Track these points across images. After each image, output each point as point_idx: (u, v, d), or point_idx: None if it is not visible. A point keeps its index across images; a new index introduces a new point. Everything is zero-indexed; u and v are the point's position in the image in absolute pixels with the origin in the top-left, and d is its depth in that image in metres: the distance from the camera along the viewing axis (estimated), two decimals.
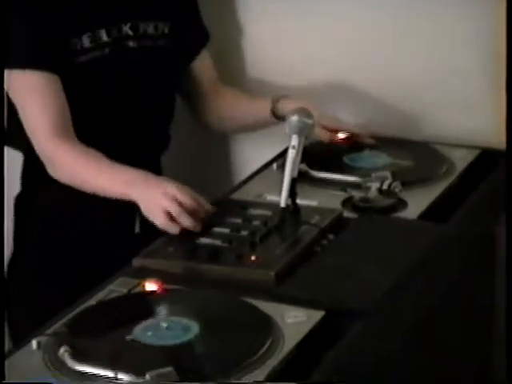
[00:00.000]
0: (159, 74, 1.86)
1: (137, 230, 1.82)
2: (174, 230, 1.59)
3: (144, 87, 1.84)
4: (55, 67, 1.74)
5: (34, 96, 1.74)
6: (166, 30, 1.85)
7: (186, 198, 1.59)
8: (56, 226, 1.84)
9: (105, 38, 1.79)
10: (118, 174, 1.69)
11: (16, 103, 1.77)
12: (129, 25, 1.81)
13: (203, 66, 1.95)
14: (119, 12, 1.81)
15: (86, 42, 1.77)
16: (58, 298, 1.47)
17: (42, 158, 1.76)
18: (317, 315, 1.39)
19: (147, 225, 1.65)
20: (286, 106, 1.86)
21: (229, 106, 1.95)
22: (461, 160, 1.89)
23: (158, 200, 1.59)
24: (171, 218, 1.58)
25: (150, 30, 1.84)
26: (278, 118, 1.89)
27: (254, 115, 1.94)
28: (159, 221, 1.60)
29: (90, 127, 1.80)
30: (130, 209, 1.68)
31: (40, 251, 1.85)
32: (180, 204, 1.58)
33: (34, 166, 1.79)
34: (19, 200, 1.88)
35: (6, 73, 1.72)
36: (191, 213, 1.58)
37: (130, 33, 1.82)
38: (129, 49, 1.82)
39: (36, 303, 1.80)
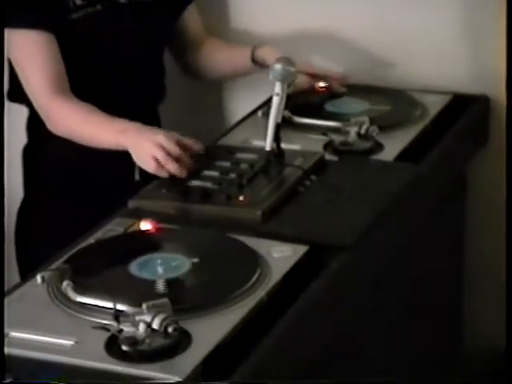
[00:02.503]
0: (149, 28, 1.84)
1: (137, 177, 1.81)
2: (163, 174, 1.60)
3: (136, 42, 1.82)
4: (51, 24, 1.72)
5: (31, 54, 1.71)
6: None
7: (172, 145, 1.60)
8: (61, 175, 1.84)
9: None
10: (111, 125, 1.68)
11: (14, 62, 1.75)
12: None
13: (190, 20, 1.94)
14: None
15: None
16: (63, 240, 1.48)
17: (40, 113, 1.75)
18: (301, 250, 1.41)
19: (146, 172, 1.65)
20: (264, 53, 1.87)
21: (211, 56, 1.94)
22: (434, 105, 1.89)
23: (147, 148, 1.60)
24: (159, 164, 1.59)
25: None
26: (258, 64, 1.89)
27: (234, 63, 1.93)
28: (148, 167, 1.61)
29: (87, 83, 1.78)
30: (129, 158, 1.68)
31: (47, 196, 1.85)
32: (167, 151, 1.59)
33: (37, 119, 1.78)
34: (26, 151, 1.87)
35: (6, 32, 1.71)
36: (177, 159, 1.59)
37: None
38: (119, 5, 1.80)
39: (43, 244, 1.80)
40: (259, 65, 1.88)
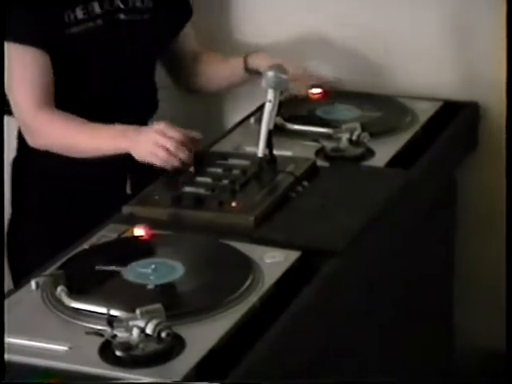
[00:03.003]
0: (145, 45, 1.84)
1: (128, 190, 1.79)
2: (175, 162, 1.60)
3: (130, 57, 1.82)
4: (47, 40, 1.71)
5: (21, 69, 1.71)
6: (150, 4, 1.83)
7: (175, 132, 1.59)
8: (50, 189, 1.82)
9: (97, 10, 1.77)
10: (107, 131, 1.68)
11: (6, 72, 1.72)
12: None
13: (185, 38, 1.92)
14: None
15: (79, 13, 1.74)
16: (54, 252, 1.47)
17: (22, 128, 1.74)
18: (293, 255, 1.41)
19: (138, 185, 1.64)
20: (256, 61, 1.87)
21: (206, 70, 1.94)
22: (424, 111, 1.90)
23: (153, 139, 1.59)
24: (169, 152, 1.59)
25: (138, 3, 1.82)
26: (251, 72, 1.89)
27: (228, 74, 1.93)
28: (160, 157, 1.59)
29: (78, 96, 1.77)
30: (121, 171, 1.68)
31: (36, 212, 1.84)
32: (172, 138, 1.59)
33: None
34: (15, 164, 1.86)
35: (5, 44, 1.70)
36: (183, 145, 1.60)
37: (122, 6, 1.79)
38: (119, 21, 1.79)
39: (34, 255, 1.78)
40: (253, 72, 1.88)
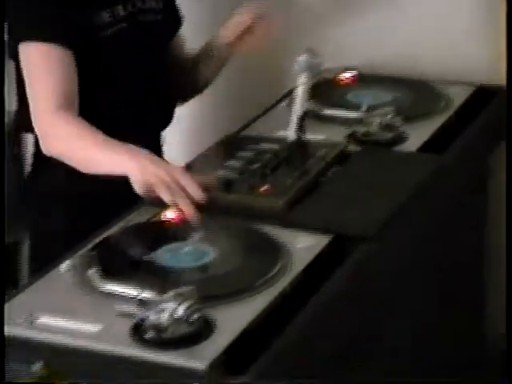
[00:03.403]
0: (161, 46, 1.80)
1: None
2: (167, 199, 1.45)
3: (152, 61, 1.76)
4: (73, 42, 1.64)
5: (45, 68, 1.63)
6: (161, 5, 1.79)
7: (188, 181, 1.47)
8: (63, 204, 1.72)
9: (122, 12, 1.71)
10: (117, 147, 1.55)
11: (26, 75, 1.65)
12: None
13: (182, 43, 1.88)
14: None
15: (105, 17, 1.69)
16: None
17: (39, 130, 1.63)
18: (324, 240, 1.41)
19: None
20: (224, 31, 1.80)
21: (196, 69, 1.86)
22: (458, 96, 1.88)
23: (163, 174, 1.47)
24: (169, 189, 1.46)
25: (153, 3, 1.78)
26: (223, 46, 1.80)
27: (210, 61, 1.85)
28: (161, 192, 1.46)
29: (100, 101, 1.70)
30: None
31: (47, 232, 1.74)
32: (181, 188, 1.46)
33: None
34: (28, 181, 1.79)
35: (23, 45, 1.62)
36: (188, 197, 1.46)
37: (142, 6, 1.76)
38: (140, 22, 1.74)
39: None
40: (226, 45, 1.80)
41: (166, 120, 1.83)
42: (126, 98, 1.73)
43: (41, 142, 1.63)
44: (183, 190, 1.46)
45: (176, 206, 1.44)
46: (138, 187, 1.50)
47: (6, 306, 1.27)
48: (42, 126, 1.63)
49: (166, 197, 1.46)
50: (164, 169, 1.49)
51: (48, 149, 1.63)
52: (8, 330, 1.23)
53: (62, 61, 1.63)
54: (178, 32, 1.85)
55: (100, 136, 1.58)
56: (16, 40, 1.64)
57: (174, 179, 1.47)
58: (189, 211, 1.44)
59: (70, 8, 1.65)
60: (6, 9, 1.65)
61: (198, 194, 1.47)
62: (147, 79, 1.76)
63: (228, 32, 1.79)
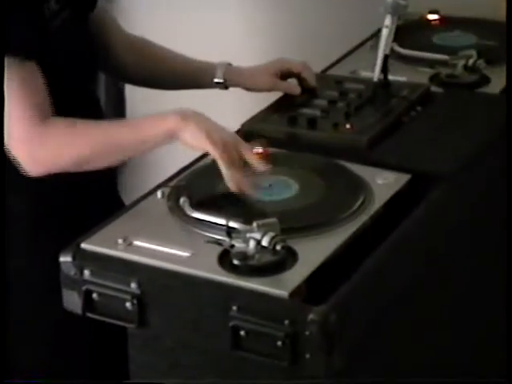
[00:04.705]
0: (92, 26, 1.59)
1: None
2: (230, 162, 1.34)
3: (92, 48, 1.58)
4: (36, 50, 1.41)
5: (17, 87, 1.38)
6: None
7: (250, 154, 1.36)
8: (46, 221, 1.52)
9: None
10: (140, 120, 1.38)
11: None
12: None
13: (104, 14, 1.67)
14: None
15: (52, 4, 1.44)
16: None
17: (21, 153, 1.39)
18: (403, 178, 1.43)
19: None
20: (237, 78, 1.66)
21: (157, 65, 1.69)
22: None
23: (222, 133, 1.35)
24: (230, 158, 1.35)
25: None
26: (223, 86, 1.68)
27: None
28: (219, 157, 1.33)
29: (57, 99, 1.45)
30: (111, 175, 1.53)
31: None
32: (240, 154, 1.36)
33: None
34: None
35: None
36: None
37: None
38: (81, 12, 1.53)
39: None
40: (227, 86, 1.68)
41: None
42: (79, 94, 1.53)
43: (27, 166, 1.40)
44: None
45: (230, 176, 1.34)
46: (192, 139, 1.34)
47: (105, 230, 1.33)
48: (25, 146, 1.39)
49: (223, 166, 1.34)
50: (225, 131, 1.36)
51: (39, 168, 1.41)
52: (107, 251, 1.30)
53: (34, 75, 1.41)
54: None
55: (105, 122, 1.42)
56: None
57: (235, 146, 1.35)
58: (241, 189, 1.35)
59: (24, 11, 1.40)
60: None
61: (261, 167, 1.37)
62: (93, 71, 1.60)
63: (266, 76, 1.66)
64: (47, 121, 1.40)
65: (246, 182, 1.36)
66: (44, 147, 1.39)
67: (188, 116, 1.36)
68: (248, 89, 1.69)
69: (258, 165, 1.37)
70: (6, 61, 1.37)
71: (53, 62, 1.44)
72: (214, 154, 1.35)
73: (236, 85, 1.68)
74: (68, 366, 1.55)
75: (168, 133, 1.36)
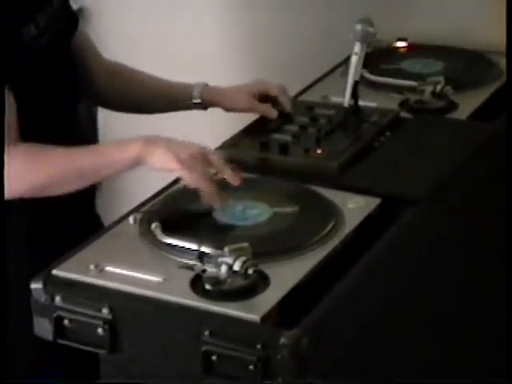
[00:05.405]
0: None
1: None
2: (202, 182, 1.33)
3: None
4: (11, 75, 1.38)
5: None
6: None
7: (215, 157, 1.35)
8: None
9: (43, 19, 1.45)
10: (104, 146, 1.41)
11: None
12: None
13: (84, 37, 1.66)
14: None
15: (40, 20, 1.43)
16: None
17: None
18: (374, 202, 1.43)
19: None
20: (217, 97, 1.66)
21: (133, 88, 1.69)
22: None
23: (188, 149, 1.33)
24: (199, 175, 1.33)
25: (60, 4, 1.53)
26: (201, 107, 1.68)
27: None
28: (186, 173, 1.32)
29: (39, 124, 1.46)
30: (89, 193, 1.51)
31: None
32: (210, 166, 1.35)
33: None
34: None
35: None
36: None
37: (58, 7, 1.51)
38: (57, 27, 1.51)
39: None
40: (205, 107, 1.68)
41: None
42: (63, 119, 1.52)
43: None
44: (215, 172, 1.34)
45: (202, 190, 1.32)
46: (159, 162, 1.33)
47: (77, 256, 1.32)
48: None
49: (191, 179, 1.33)
50: (192, 146, 1.34)
51: (13, 191, 1.38)
52: (78, 277, 1.28)
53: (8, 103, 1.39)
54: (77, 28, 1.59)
55: (71, 148, 1.38)
56: None
57: (204, 159, 1.34)
58: (213, 200, 1.34)
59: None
60: None
61: (233, 177, 1.36)
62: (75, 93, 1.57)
63: (244, 96, 1.65)
64: (9, 146, 1.38)
65: (219, 195, 1.35)
66: (20, 173, 1.38)
67: (152, 140, 1.35)
68: (227, 109, 1.69)
69: (230, 175, 1.37)
70: None
71: (31, 88, 1.42)
72: (182, 173, 1.34)
73: (215, 105, 1.68)
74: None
75: (134, 158, 1.36)
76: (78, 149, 1.41)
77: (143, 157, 1.35)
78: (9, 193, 1.38)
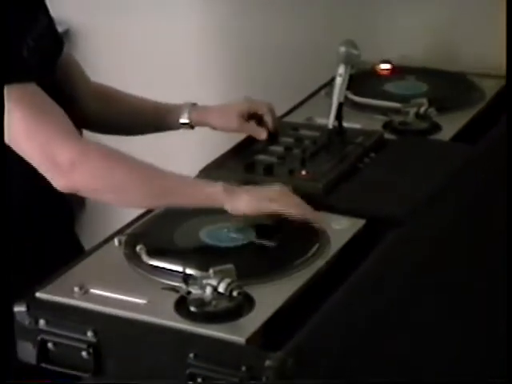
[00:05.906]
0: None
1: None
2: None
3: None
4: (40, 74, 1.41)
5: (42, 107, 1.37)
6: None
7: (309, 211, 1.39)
8: None
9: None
10: (194, 180, 1.43)
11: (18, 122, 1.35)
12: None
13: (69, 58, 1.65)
14: None
15: (29, 41, 1.42)
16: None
17: (64, 162, 1.34)
18: (359, 223, 1.43)
19: None
20: (207, 116, 1.66)
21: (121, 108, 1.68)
22: (491, 88, 1.89)
23: (271, 193, 1.38)
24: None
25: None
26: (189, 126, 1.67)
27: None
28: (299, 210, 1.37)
29: None
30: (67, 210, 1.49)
31: None
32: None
33: None
34: None
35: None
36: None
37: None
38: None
39: None
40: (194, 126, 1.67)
41: None
42: None
43: (59, 179, 1.36)
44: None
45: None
46: (249, 209, 1.37)
47: (61, 279, 1.31)
48: (68, 156, 1.34)
49: (297, 212, 1.37)
50: (271, 189, 1.39)
51: (68, 182, 1.36)
52: (62, 300, 1.27)
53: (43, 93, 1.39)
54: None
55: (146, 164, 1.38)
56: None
57: (288, 195, 1.40)
58: (321, 220, 1.38)
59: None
60: None
61: (313, 213, 1.39)
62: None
63: (232, 116, 1.64)
64: (82, 141, 1.38)
65: (316, 213, 1.39)
66: (85, 165, 1.34)
67: (233, 189, 1.38)
68: (215, 128, 1.68)
69: (309, 211, 1.39)
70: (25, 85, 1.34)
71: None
72: (283, 210, 1.37)
73: (203, 124, 1.67)
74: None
75: (213, 200, 1.37)
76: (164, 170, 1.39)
77: (224, 203, 1.37)
78: (83, 186, 1.35)
